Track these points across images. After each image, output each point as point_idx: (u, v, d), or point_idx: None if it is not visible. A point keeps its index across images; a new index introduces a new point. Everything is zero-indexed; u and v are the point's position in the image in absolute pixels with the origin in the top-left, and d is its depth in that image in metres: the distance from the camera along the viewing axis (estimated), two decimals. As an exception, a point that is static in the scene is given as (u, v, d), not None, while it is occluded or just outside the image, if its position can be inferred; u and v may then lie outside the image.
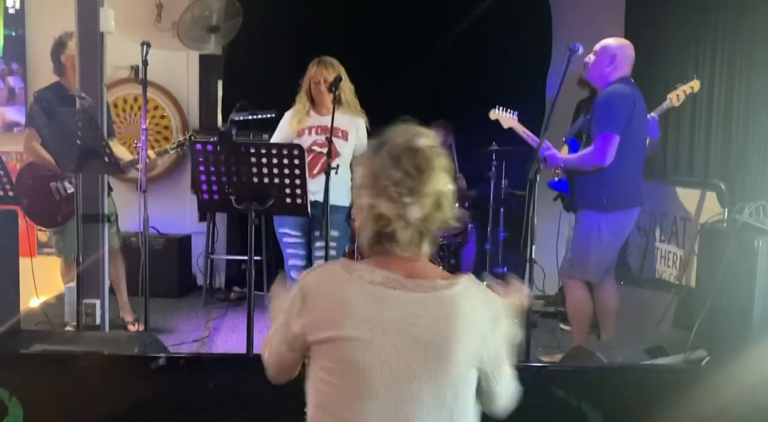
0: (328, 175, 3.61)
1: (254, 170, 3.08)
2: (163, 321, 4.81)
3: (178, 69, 5.90)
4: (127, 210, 4.76)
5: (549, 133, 3.56)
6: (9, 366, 2.89)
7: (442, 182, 1.59)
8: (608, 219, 3.73)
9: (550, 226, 4.68)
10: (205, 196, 3.18)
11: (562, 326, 4.81)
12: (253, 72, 5.85)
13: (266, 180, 3.08)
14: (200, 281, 5.77)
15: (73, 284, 3.71)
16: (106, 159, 3.55)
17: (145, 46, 3.85)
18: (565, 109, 4.46)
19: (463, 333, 1.53)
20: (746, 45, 3.97)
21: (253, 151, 3.06)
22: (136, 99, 5.79)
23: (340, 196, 3.87)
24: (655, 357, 3.18)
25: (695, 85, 3.92)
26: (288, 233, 4.04)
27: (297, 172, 3.08)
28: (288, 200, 3.13)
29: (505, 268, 5.17)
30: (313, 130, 4.00)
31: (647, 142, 3.90)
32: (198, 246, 5.76)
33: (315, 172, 3.85)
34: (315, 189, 3.67)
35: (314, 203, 3.54)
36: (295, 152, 3.07)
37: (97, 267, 3.89)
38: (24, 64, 5.74)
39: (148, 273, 3.91)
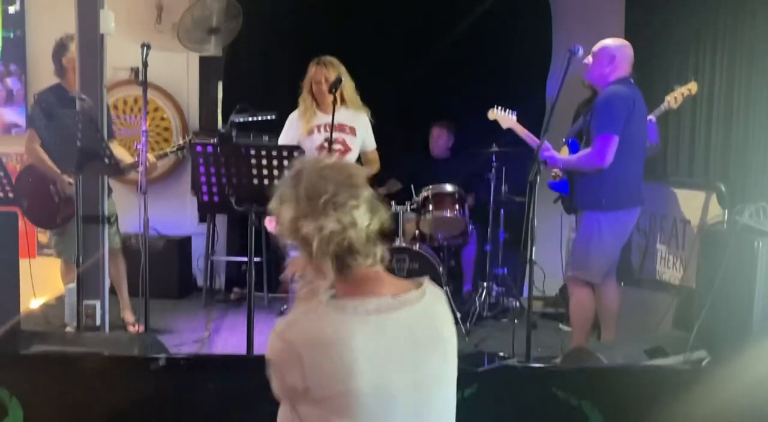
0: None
1: (254, 171, 3.08)
2: (163, 322, 4.81)
3: (178, 70, 5.90)
4: (127, 211, 4.76)
5: (549, 134, 3.57)
6: (9, 366, 2.89)
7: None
8: (609, 218, 3.73)
9: (550, 228, 4.68)
10: (206, 198, 3.18)
11: (563, 327, 4.81)
12: (253, 73, 5.86)
13: (266, 181, 3.09)
14: (200, 282, 5.76)
15: (74, 285, 3.71)
16: (106, 160, 3.55)
17: (145, 48, 3.85)
18: (565, 110, 4.46)
19: (450, 333, 1.61)
20: (746, 45, 3.97)
21: (253, 152, 3.07)
22: (136, 100, 5.79)
23: None
24: (655, 357, 3.18)
25: (693, 87, 3.92)
26: None
27: (297, 172, 3.08)
28: (288, 201, 3.13)
29: (506, 269, 5.17)
30: (322, 128, 4.01)
31: (647, 145, 3.90)
32: (198, 248, 5.76)
33: None
34: None
35: None
36: (295, 153, 3.08)
37: (97, 268, 3.89)
38: (24, 65, 5.75)
39: (149, 274, 3.91)
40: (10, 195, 3.55)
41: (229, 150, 3.12)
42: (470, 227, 5.12)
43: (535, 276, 3.63)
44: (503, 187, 5.12)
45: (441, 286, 4.52)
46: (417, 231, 5.01)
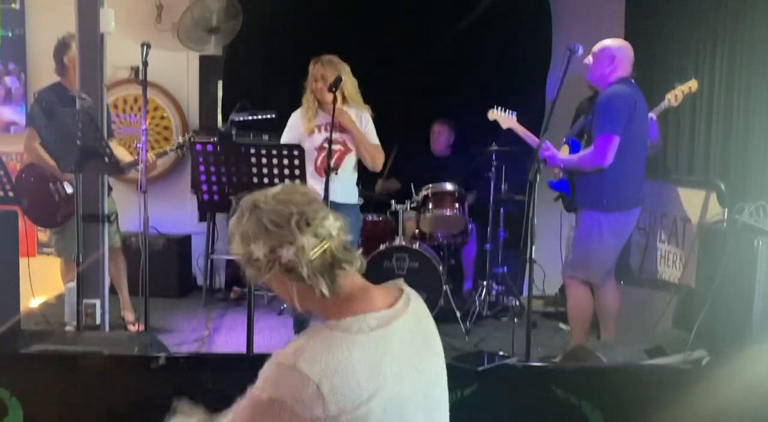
0: (328, 175, 3.61)
1: (254, 170, 3.08)
2: (163, 321, 4.81)
3: (178, 70, 5.91)
4: (127, 210, 4.76)
5: (549, 133, 3.57)
6: (9, 366, 2.89)
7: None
8: (609, 219, 3.73)
9: (551, 226, 4.68)
10: (205, 196, 3.18)
11: (562, 326, 4.81)
12: (253, 72, 5.86)
13: (266, 180, 3.09)
14: (200, 281, 5.77)
15: (74, 284, 3.71)
16: (106, 159, 3.55)
17: (145, 47, 3.86)
18: (565, 110, 4.46)
19: (435, 331, 1.64)
20: (746, 45, 3.97)
21: (253, 151, 3.07)
22: (136, 99, 5.80)
23: (350, 194, 3.87)
24: (655, 357, 3.18)
25: (693, 85, 3.92)
26: None
27: (297, 172, 3.09)
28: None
29: (505, 268, 5.17)
30: (323, 128, 4.00)
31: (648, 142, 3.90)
32: (198, 247, 5.76)
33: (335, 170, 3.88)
34: (331, 188, 3.68)
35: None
36: (295, 152, 3.08)
37: (97, 267, 3.88)
38: (24, 64, 5.75)
39: (149, 273, 3.91)
40: (10, 194, 3.54)
41: (229, 149, 3.12)
42: (470, 226, 5.12)
43: (535, 275, 3.63)
44: (503, 185, 5.12)
45: (441, 285, 4.59)
46: (417, 230, 5.02)
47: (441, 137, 5.65)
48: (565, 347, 4.12)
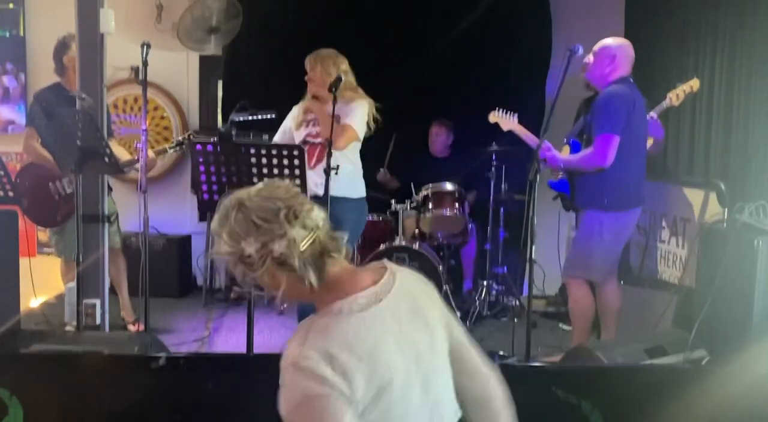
0: (328, 174, 3.60)
1: (254, 170, 3.09)
2: (163, 321, 4.81)
3: (178, 70, 5.91)
4: (127, 210, 4.76)
5: (549, 133, 3.56)
6: (9, 366, 2.89)
7: None
8: (610, 218, 3.73)
9: (551, 226, 4.68)
10: (206, 196, 3.18)
11: (563, 326, 4.82)
12: (253, 72, 5.86)
13: (266, 180, 3.08)
14: (200, 281, 5.77)
15: (74, 284, 3.71)
16: (106, 159, 3.55)
17: (145, 47, 3.85)
18: (565, 110, 4.46)
19: (427, 300, 1.64)
20: (746, 44, 3.97)
21: (253, 151, 3.07)
22: (136, 99, 5.80)
23: (349, 188, 3.85)
24: (655, 357, 3.18)
25: (695, 84, 3.92)
26: None
27: (297, 172, 3.09)
28: (288, 200, 3.13)
29: (505, 268, 5.17)
30: (311, 123, 3.99)
31: (652, 141, 3.90)
32: (198, 247, 5.76)
33: (312, 163, 3.84)
34: (318, 181, 3.65)
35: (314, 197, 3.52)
36: (295, 152, 3.08)
37: (97, 267, 3.89)
38: (24, 64, 5.75)
39: (149, 273, 3.91)
40: (10, 193, 3.55)
41: (229, 149, 3.12)
42: (470, 226, 5.12)
43: (535, 275, 3.63)
44: (503, 185, 5.12)
45: (441, 285, 4.59)
46: (417, 230, 5.01)
47: (439, 138, 5.65)
48: (564, 347, 4.12)
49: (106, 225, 3.99)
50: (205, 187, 3.15)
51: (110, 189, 4.25)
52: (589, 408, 2.77)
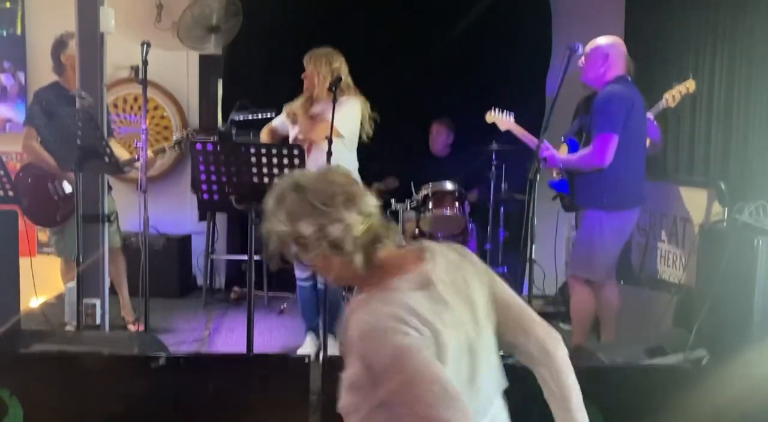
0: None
1: (254, 170, 3.08)
2: (163, 321, 4.81)
3: (178, 69, 5.90)
4: (127, 210, 4.75)
5: (549, 132, 3.56)
6: (9, 366, 2.89)
7: None
8: (610, 217, 3.72)
9: (550, 226, 4.68)
10: (205, 196, 3.18)
11: (562, 325, 4.81)
12: (253, 72, 5.85)
13: (266, 179, 3.09)
14: (200, 281, 5.76)
15: (74, 284, 3.71)
16: (106, 158, 3.55)
17: (145, 46, 3.86)
18: (565, 109, 4.45)
19: (472, 273, 1.64)
20: (746, 44, 3.97)
21: (253, 150, 3.07)
22: (136, 99, 5.79)
23: None
24: (655, 356, 3.18)
25: (691, 85, 3.91)
26: None
27: (297, 172, 3.09)
28: (288, 200, 3.13)
29: (505, 268, 5.17)
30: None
31: (648, 142, 3.89)
32: (198, 246, 5.76)
33: None
34: None
35: None
36: (295, 152, 3.08)
37: (97, 267, 3.89)
38: (24, 63, 5.75)
39: (149, 273, 3.91)
40: (10, 193, 3.54)
41: (229, 148, 3.12)
42: (470, 225, 5.12)
43: (534, 275, 3.63)
44: (503, 184, 5.12)
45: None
46: (417, 230, 5.01)
47: (439, 138, 5.65)
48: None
49: (106, 225, 3.99)
50: (205, 187, 3.15)
51: (110, 188, 4.24)
52: (589, 409, 2.77)
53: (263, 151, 3.07)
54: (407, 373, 1.38)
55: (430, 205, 4.90)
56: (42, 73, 4.98)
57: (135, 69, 5.70)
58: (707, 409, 2.72)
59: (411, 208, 4.99)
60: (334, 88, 3.69)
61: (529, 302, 3.75)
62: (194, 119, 5.97)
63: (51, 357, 2.96)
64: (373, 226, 1.58)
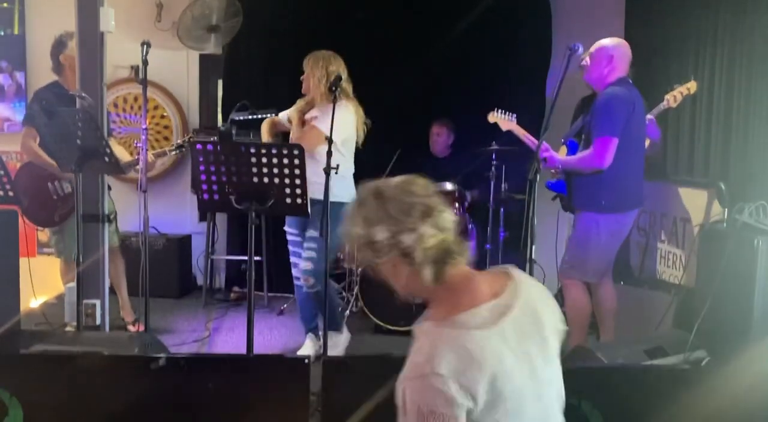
0: (328, 174, 3.60)
1: (254, 170, 3.08)
2: (163, 321, 4.81)
3: (178, 69, 5.90)
4: (127, 210, 4.76)
5: (549, 133, 3.56)
6: (9, 366, 2.89)
7: None
8: (607, 220, 3.72)
9: (550, 226, 4.68)
10: (205, 196, 3.18)
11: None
12: (253, 72, 5.85)
13: (266, 180, 3.09)
14: (200, 281, 5.77)
15: (73, 284, 3.71)
16: (106, 158, 3.55)
17: (145, 46, 3.85)
18: (565, 110, 4.46)
19: (549, 313, 1.70)
20: (746, 45, 3.97)
21: (253, 150, 3.06)
22: (136, 99, 5.80)
23: (343, 192, 3.85)
24: (655, 357, 3.18)
25: (692, 86, 3.91)
26: (287, 231, 4.10)
27: (297, 172, 3.09)
28: (288, 200, 3.14)
29: (505, 268, 5.15)
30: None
31: (648, 142, 3.89)
32: (198, 247, 5.76)
33: None
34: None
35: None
36: (295, 152, 3.07)
37: (97, 267, 3.88)
38: (24, 63, 5.75)
39: (149, 273, 3.91)
40: (10, 193, 3.54)
41: (229, 148, 3.12)
42: (470, 226, 5.12)
43: (535, 275, 3.62)
44: (503, 185, 5.11)
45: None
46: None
47: (440, 138, 5.65)
48: (563, 347, 4.11)
49: (106, 225, 3.98)
50: (205, 187, 3.15)
51: (109, 187, 4.24)
52: (589, 409, 2.77)
53: (263, 151, 3.07)
54: None
55: (430, 205, 4.89)
56: (41, 73, 4.98)
57: (135, 69, 5.70)
58: (707, 410, 2.72)
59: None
60: (335, 88, 3.67)
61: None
62: (194, 119, 5.98)
63: (51, 358, 2.96)
64: (446, 241, 1.59)
